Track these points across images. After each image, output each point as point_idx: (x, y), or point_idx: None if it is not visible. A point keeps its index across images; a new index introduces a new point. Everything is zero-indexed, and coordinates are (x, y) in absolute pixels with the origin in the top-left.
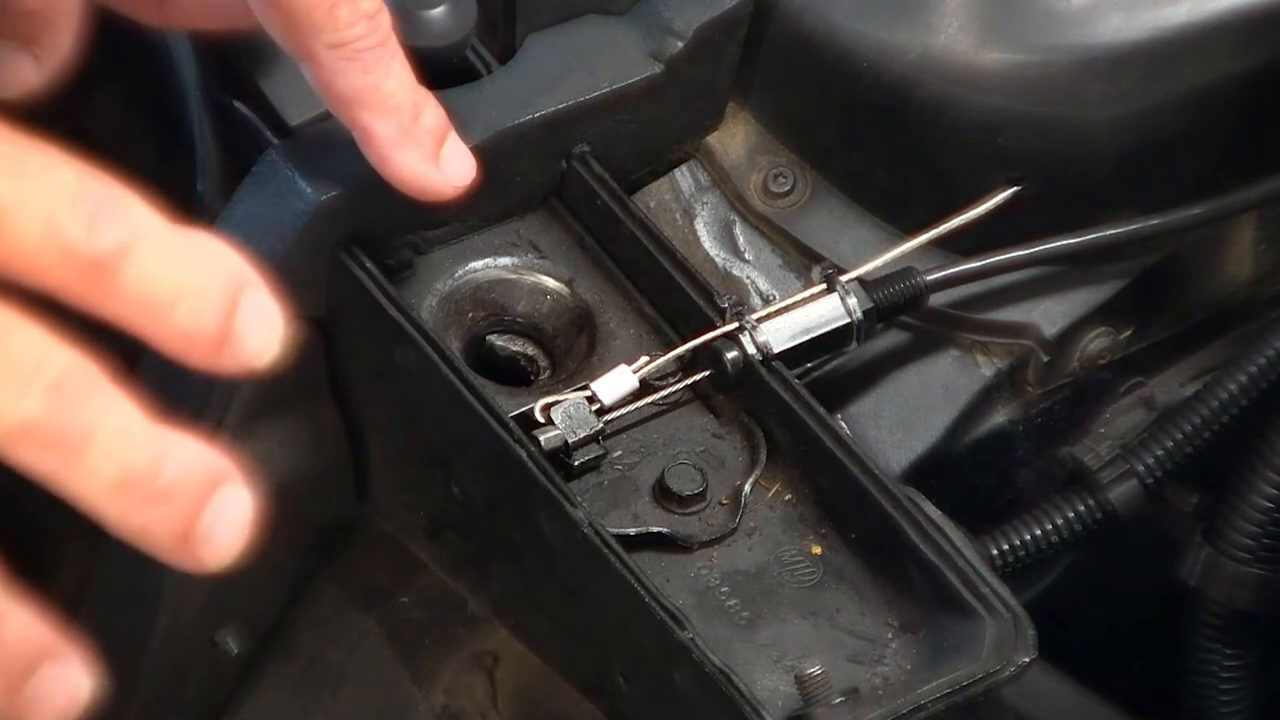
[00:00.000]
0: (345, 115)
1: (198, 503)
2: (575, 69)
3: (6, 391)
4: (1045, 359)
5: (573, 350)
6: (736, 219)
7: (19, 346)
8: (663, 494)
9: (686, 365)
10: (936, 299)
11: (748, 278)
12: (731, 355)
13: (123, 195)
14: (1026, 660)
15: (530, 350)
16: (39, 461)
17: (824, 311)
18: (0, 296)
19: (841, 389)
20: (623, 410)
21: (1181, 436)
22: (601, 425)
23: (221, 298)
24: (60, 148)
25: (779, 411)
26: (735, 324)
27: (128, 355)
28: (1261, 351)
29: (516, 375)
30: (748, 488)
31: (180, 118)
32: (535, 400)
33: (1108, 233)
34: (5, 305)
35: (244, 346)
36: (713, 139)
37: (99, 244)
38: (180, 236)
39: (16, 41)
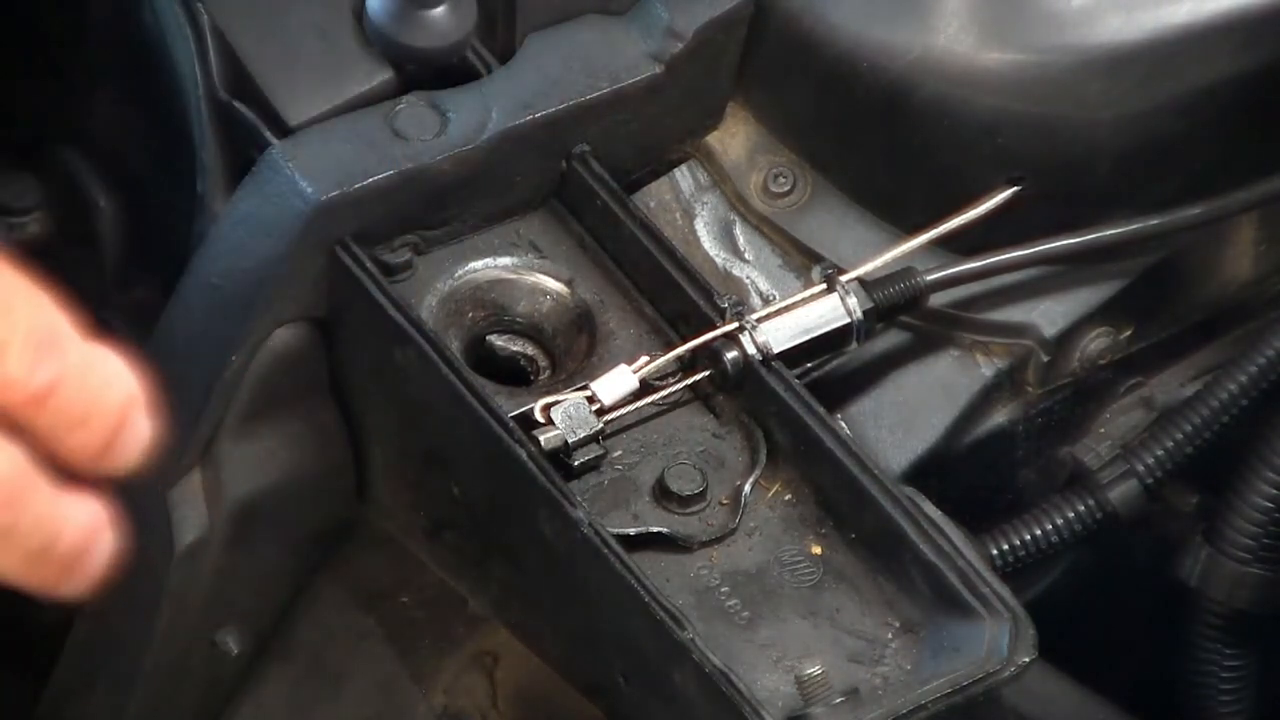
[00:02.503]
0: None
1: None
2: (575, 69)
3: None
4: (1045, 359)
5: (573, 350)
6: (736, 219)
7: None
8: (663, 494)
9: (686, 365)
10: (936, 299)
11: (748, 278)
12: (731, 355)
13: (62, 328)
14: (1026, 660)
15: (530, 350)
16: None
17: (824, 311)
18: None
19: (841, 389)
20: (623, 410)
21: (1181, 436)
22: (601, 425)
23: (116, 419)
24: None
25: (779, 411)
26: (735, 324)
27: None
28: (1261, 351)
29: (516, 375)
30: (748, 488)
31: (180, 118)
32: (535, 400)
33: (1108, 233)
34: None
35: (119, 459)
36: (713, 139)
37: (36, 380)
38: (94, 362)
39: None
